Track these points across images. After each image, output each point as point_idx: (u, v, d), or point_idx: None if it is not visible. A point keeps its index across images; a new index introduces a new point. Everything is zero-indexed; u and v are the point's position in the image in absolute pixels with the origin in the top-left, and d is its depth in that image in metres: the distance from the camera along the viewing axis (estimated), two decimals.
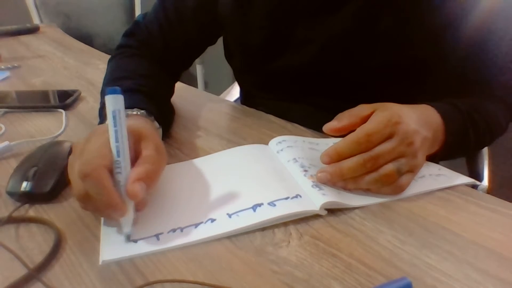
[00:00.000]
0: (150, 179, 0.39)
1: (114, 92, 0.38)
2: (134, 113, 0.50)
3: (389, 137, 0.44)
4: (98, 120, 0.57)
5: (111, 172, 0.38)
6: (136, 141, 0.42)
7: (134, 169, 0.39)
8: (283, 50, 0.65)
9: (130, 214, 0.38)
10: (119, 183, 0.38)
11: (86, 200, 0.38)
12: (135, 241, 0.39)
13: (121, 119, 0.38)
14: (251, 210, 0.42)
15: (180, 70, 0.74)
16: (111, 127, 0.38)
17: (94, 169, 0.36)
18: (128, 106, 0.49)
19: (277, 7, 0.62)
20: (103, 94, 0.62)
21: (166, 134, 0.60)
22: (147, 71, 0.64)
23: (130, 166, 0.39)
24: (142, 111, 0.51)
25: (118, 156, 0.38)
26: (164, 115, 0.58)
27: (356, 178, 0.44)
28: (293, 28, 0.63)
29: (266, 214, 0.41)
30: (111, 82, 0.61)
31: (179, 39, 0.70)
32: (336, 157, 0.44)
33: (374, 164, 0.43)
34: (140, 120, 0.48)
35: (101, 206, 0.37)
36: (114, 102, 0.38)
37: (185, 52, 0.73)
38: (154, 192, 0.46)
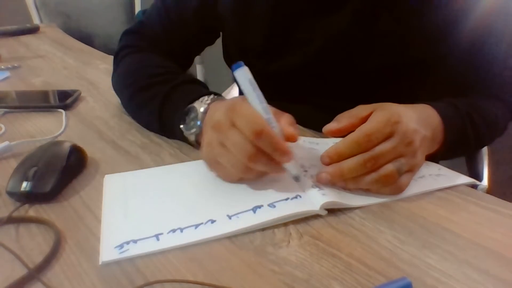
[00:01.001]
0: (293, 123, 0.46)
1: (240, 66, 0.43)
2: (216, 97, 0.54)
3: (388, 136, 0.44)
4: (147, 110, 0.60)
5: None
6: None
7: (280, 120, 0.45)
8: (283, 51, 0.65)
9: (293, 158, 0.43)
10: (277, 135, 0.43)
11: (257, 159, 0.42)
12: (135, 241, 0.39)
13: (255, 85, 0.43)
14: (251, 211, 0.42)
15: (183, 68, 0.74)
16: (252, 93, 0.43)
17: (263, 127, 0.41)
18: (205, 94, 0.54)
19: (276, 8, 0.62)
20: (146, 90, 0.61)
21: None
22: (176, 66, 0.66)
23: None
24: (213, 95, 0.55)
25: (268, 114, 0.43)
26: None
27: (356, 178, 0.44)
28: (292, 29, 0.63)
29: (266, 216, 0.41)
30: (157, 76, 0.62)
31: (181, 39, 0.70)
32: (336, 158, 0.44)
33: (374, 164, 0.43)
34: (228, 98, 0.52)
35: (276, 156, 0.42)
36: (245, 73, 0.43)
37: (186, 51, 0.74)
38: (154, 192, 0.46)
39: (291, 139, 0.44)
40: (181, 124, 0.55)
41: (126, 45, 0.72)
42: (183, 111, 0.54)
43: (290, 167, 0.44)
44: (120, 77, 0.69)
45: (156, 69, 0.64)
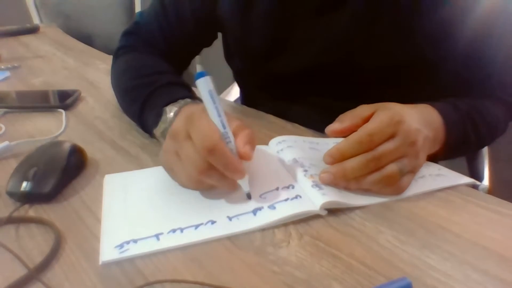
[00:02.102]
0: (252, 141, 0.44)
1: (203, 75, 0.42)
2: (189, 101, 0.53)
3: (391, 136, 0.44)
4: (131, 111, 0.61)
5: None
6: None
7: (237, 136, 0.43)
8: (283, 51, 0.65)
9: (247, 175, 0.43)
10: (232, 151, 0.42)
11: (208, 174, 0.41)
12: (135, 241, 0.39)
13: (216, 96, 0.42)
14: (251, 214, 0.42)
15: (180, 70, 0.74)
16: (211, 104, 0.42)
17: (216, 143, 0.40)
18: (182, 97, 0.54)
19: (277, 8, 0.62)
20: (132, 91, 0.62)
21: None
22: (169, 68, 0.66)
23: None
24: (192, 100, 0.54)
25: (224, 128, 0.42)
26: None
27: (358, 178, 0.44)
28: (293, 29, 0.63)
29: (266, 218, 0.41)
30: (142, 78, 0.62)
31: (179, 40, 0.70)
32: (339, 158, 0.44)
33: (377, 164, 0.43)
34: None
35: (227, 173, 0.41)
36: (207, 83, 0.42)
37: (184, 53, 0.74)
38: (154, 192, 0.46)
39: (245, 158, 0.42)
40: (154, 127, 0.54)
41: (122, 46, 0.73)
42: (157, 114, 0.54)
43: (243, 184, 0.43)
44: (113, 77, 0.70)
45: (143, 69, 0.64)
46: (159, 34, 0.70)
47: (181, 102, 0.53)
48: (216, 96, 0.42)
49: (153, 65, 0.66)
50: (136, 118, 0.60)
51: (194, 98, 0.55)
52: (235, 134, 0.43)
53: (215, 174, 0.41)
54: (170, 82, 0.59)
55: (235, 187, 0.43)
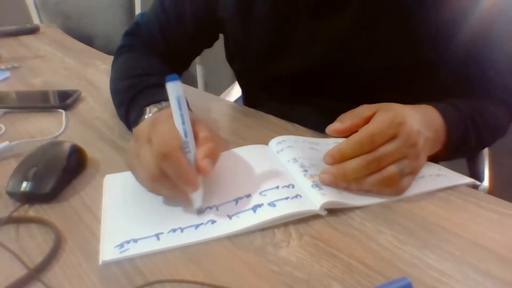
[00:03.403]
0: (214, 156, 0.42)
1: (173, 79, 0.41)
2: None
3: (392, 137, 0.43)
4: (121, 111, 0.60)
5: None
6: (191, 125, 0.43)
7: (200, 148, 0.42)
8: (285, 53, 0.65)
9: (200, 189, 0.41)
10: (189, 161, 0.41)
11: (160, 181, 0.40)
12: (135, 241, 0.39)
13: (184, 104, 0.41)
14: (251, 211, 0.42)
15: (180, 70, 0.74)
16: (176, 111, 0.41)
17: (172, 150, 0.39)
18: (165, 99, 0.51)
19: (279, 10, 0.62)
20: (123, 91, 0.62)
21: None
22: (164, 68, 0.66)
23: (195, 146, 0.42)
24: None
25: (186, 137, 0.41)
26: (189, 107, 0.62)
27: (359, 179, 0.44)
28: (293, 31, 0.63)
29: (266, 215, 0.41)
30: (133, 78, 0.62)
31: (179, 42, 0.70)
32: (339, 158, 0.44)
33: (378, 165, 0.43)
34: None
35: (179, 184, 0.40)
36: (176, 88, 0.41)
37: (184, 54, 0.74)
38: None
39: (201, 171, 0.41)
40: (134, 127, 0.54)
41: (121, 46, 0.73)
42: (138, 114, 0.54)
43: (195, 197, 0.42)
44: (110, 77, 0.71)
45: (135, 70, 0.65)
46: (159, 35, 0.70)
47: (164, 104, 0.52)
48: (183, 103, 0.41)
49: (145, 66, 0.66)
50: (123, 118, 0.60)
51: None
52: (199, 145, 0.42)
53: (167, 183, 0.40)
54: (156, 83, 0.58)
55: (187, 198, 0.42)
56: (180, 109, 0.41)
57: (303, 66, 0.64)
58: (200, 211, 0.42)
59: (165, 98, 0.52)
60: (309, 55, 0.63)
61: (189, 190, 0.41)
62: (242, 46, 0.69)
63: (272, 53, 0.66)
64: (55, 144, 0.53)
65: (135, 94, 0.58)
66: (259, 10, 0.63)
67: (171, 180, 0.40)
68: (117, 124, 0.65)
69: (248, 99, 0.83)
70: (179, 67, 0.74)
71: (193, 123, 0.44)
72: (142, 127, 0.43)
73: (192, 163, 0.41)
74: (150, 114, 0.51)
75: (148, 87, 0.58)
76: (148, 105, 0.53)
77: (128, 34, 0.75)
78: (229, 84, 1.44)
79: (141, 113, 0.53)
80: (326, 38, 0.61)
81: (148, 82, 0.59)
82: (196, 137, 0.43)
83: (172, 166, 0.39)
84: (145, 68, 0.65)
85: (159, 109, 0.51)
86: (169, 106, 0.48)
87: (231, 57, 0.76)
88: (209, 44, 0.75)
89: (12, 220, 0.42)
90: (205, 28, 0.70)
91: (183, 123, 0.41)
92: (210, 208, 0.43)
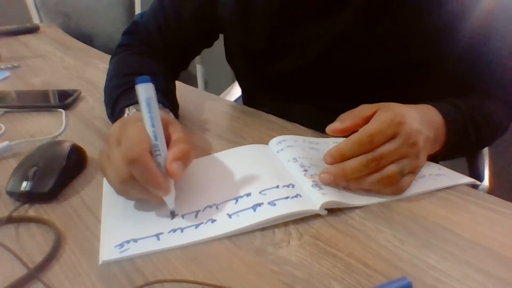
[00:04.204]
0: (185, 158, 0.42)
1: (144, 81, 0.40)
2: None
3: (392, 137, 0.43)
4: (108, 111, 0.60)
5: (151, 155, 0.40)
6: (164, 127, 0.43)
7: (170, 150, 0.41)
8: (284, 52, 0.65)
9: (172, 192, 0.41)
10: (159, 164, 0.40)
11: (130, 185, 0.40)
12: (135, 240, 0.39)
13: (154, 106, 0.40)
14: (251, 210, 0.42)
15: (178, 70, 0.74)
16: (146, 113, 0.40)
17: (140, 154, 0.38)
18: None
19: (278, 9, 0.62)
20: (110, 90, 0.62)
21: None
22: (155, 68, 0.66)
23: (166, 149, 0.41)
24: (159, 104, 0.52)
25: (156, 140, 0.40)
26: (175, 109, 0.63)
27: (358, 179, 0.44)
28: (294, 30, 0.63)
29: (266, 214, 0.41)
30: (120, 77, 0.62)
31: (177, 41, 0.70)
32: (339, 158, 0.44)
33: (377, 165, 0.43)
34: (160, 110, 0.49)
35: (148, 188, 0.39)
36: (146, 90, 0.40)
37: (183, 53, 0.73)
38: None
39: (171, 175, 0.40)
40: None
41: (118, 45, 0.73)
42: (119, 114, 0.54)
43: (167, 201, 0.41)
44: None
45: (125, 69, 0.65)
46: (156, 34, 0.70)
47: None
48: (154, 105, 0.40)
49: (136, 65, 0.66)
50: (110, 118, 0.61)
51: (165, 103, 0.55)
52: (170, 148, 0.42)
53: (137, 186, 0.40)
54: None
55: (159, 202, 0.41)
56: (150, 111, 0.40)
57: (303, 65, 0.64)
58: (173, 215, 0.42)
59: None
60: (309, 54, 0.63)
61: (160, 194, 0.40)
62: (241, 45, 0.69)
63: (272, 52, 0.66)
64: (55, 144, 0.53)
65: (119, 95, 0.58)
66: (258, 8, 0.63)
67: (141, 184, 0.39)
68: None
69: (247, 98, 0.83)
70: (178, 66, 0.74)
71: (167, 125, 0.44)
72: (114, 129, 0.43)
73: (162, 166, 0.40)
74: (130, 115, 0.51)
75: (132, 87, 0.58)
76: (128, 106, 0.53)
77: (126, 33, 0.75)
78: (229, 84, 1.44)
79: (121, 114, 0.53)
80: (326, 37, 0.61)
81: (133, 83, 0.58)
82: (169, 139, 0.43)
83: (140, 171, 0.38)
84: (136, 67, 0.65)
85: (138, 110, 0.51)
86: None
87: (231, 56, 0.76)
88: (208, 44, 0.75)
89: (12, 220, 0.42)
90: (204, 27, 0.70)
91: (153, 125, 0.40)
92: (210, 207, 0.43)
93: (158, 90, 0.56)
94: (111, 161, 0.40)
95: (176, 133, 0.43)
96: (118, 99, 0.58)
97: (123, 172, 0.39)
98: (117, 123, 0.44)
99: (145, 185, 0.39)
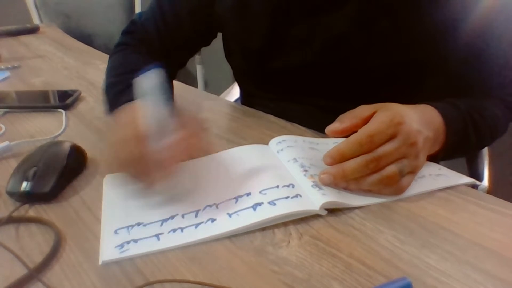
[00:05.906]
0: (188, 145, 0.44)
1: (147, 71, 0.42)
2: None
3: (391, 137, 0.43)
4: (105, 109, 0.61)
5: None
6: (171, 115, 0.44)
7: (173, 137, 0.43)
8: (282, 51, 0.65)
9: (170, 179, 0.43)
10: (161, 152, 0.42)
11: (137, 163, 0.42)
12: (135, 241, 0.39)
13: (157, 94, 0.42)
14: (251, 209, 0.42)
15: (176, 69, 0.74)
16: (150, 101, 0.42)
17: (140, 140, 0.41)
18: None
19: (276, 7, 0.62)
20: (106, 89, 0.63)
21: None
22: (152, 67, 0.65)
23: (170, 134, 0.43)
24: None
25: (158, 126, 0.42)
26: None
27: (358, 179, 0.44)
28: (292, 28, 0.63)
29: (266, 213, 0.41)
30: (119, 76, 0.63)
31: (175, 39, 0.70)
32: (338, 158, 0.44)
33: (377, 165, 0.43)
34: None
35: (153, 167, 0.41)
36: (149, 79, 0.42)
37: (181, 52, 0.73)
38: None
39: (167, 163, 0.42)
40: None
41: (117, 44, 0.73)
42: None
43: (165, 187, 0.44)
44: None
45: (120, 68, 0.66)
46: (154, 33, 0.70)
47: None
48: (158, 94, 0.43)
49: (131, 63, 0.66)
50: (107, 116, 0.61)
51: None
52: (174, 135, 0.43)
53: (141, 165, 0.42)
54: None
55: (153, 185, 0.43)
56: (153, 99, 0.42)
57: (301, 63, 0.64)
58: (174, 199, 0.44)
59: None
60: (308, 52, 0.63)
61: (157, 180, 0.42)
62: (239, 42, 0.69)
63: (270, 50, 0.66)
64: (55, 144, 0.53)
65: (115, 93, 0.59)
66: (256, 6, 0.63)
67: (141, 167, 0.42)
68: None
69: (246, 98, 0.82)
70: (176, 65, 0.74)
71: (175, 113, 0.45)
72: (122, 112, 0.46)
73: (163, 153, 0.42)
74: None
75: (129, 85, 0.58)
76: (124, 104, 0.53)
77: (124, 32, 0.75)
78: (229, 84, 1.44)
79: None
80: (324, 36, 0.61)
81: (128, 81, 0.59)
82: (175, 127, 0.44)
83: (139, 156, 0.41)
84: (132, 65, 0.65)
85: None
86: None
87: (229, 53, 0.76)
88: (206, 43, 0.75)
89: (12, 220, 0.42)
90: (201, 25, 0.70)
91: (156, 112, 0.42)
92: (210, 206, 0.43)
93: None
94: (123, 139, 0.43)
95: (182, 122, 0.45)
96: (115, 97, 0.58)
97: (131, 149, 0.41)
98: (126, 107, 0.47)
99: (152, 163, 0.41)
